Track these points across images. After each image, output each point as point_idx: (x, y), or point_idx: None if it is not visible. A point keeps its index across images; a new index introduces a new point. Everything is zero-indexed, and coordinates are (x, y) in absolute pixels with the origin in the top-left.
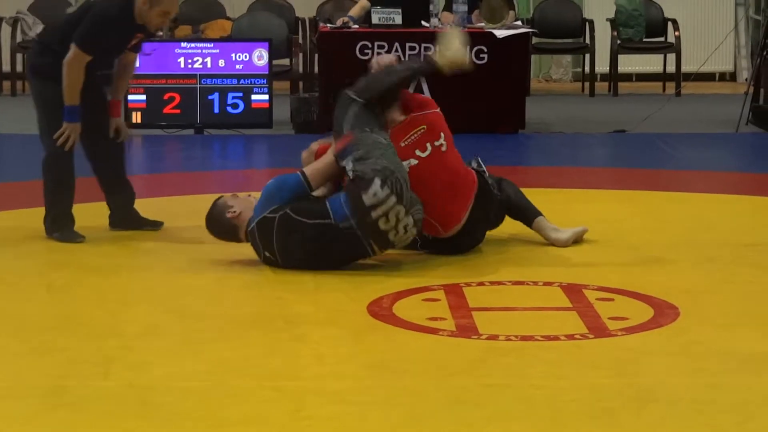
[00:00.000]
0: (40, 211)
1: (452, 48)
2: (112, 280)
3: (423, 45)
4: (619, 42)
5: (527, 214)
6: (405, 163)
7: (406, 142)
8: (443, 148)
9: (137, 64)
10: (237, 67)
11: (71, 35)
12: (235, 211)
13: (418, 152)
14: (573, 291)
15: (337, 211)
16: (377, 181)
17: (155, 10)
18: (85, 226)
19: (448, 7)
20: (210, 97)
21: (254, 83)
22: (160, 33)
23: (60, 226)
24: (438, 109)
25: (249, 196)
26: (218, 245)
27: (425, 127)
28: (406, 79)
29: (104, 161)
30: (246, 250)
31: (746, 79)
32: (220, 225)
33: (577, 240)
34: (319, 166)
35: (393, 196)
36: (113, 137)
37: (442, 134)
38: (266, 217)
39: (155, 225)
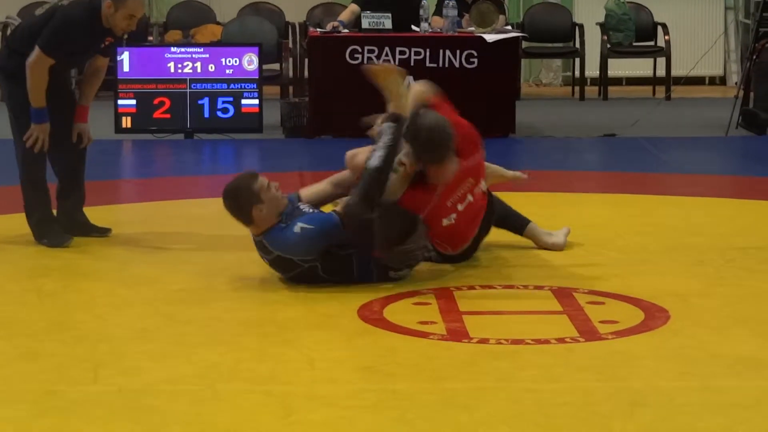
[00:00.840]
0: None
1: (397, 94)
2: (102, 284)
3: (413, 49)
4: (608, 46)
5: (517, 223)
6: (444, 220)
7: (451, 201)
8: (480, 189)
9: (104, 71)
10: (227, 71)
11: (36, 38)
12: (261, 210)
13: (459, 206)
14: (563, 295)
15: (362, 274)
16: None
17: (120, 13)
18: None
19: (438, 12)
20: (200, 102)
21: (244, 88)
22: (125, 36)
23: (45, 231)
24: (480, 141)
25: (281, 195)
26: (208, 250)
27: (472, 179)
28: (391, 157)
29: (65, 162)
30: (237, 252)
31: (736, 83)
32: (237, 208)
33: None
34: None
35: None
36: (76, 142)
37: (482, 179)
38: (293, 260)
39: (103, 232)
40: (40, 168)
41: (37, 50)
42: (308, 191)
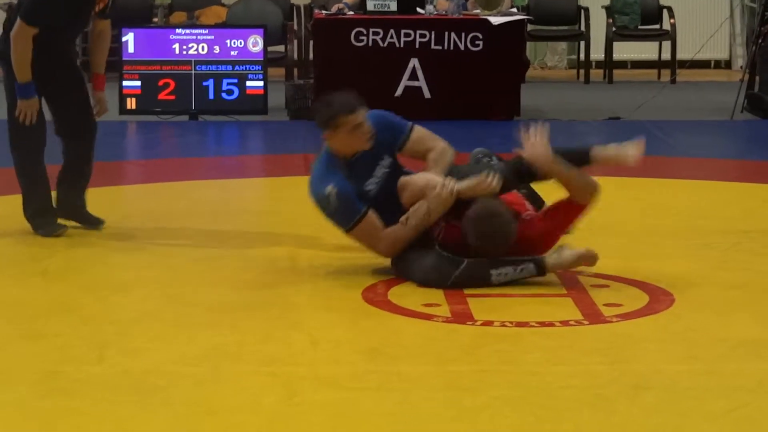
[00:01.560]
0: None
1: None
2: (107, 266)
3: (418, 32)
4: (614, 29)
5: (574, 157)
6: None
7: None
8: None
9: (108, 33)
10: (232, 53)
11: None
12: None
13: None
14: (568, 277)
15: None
16: None
17: None
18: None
19: None
20: (205, 84)
21: (249, 69)
22: None
23: (41, 222)
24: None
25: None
26: (213, 232)
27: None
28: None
29: (75, 139)
30: (242, 234)
31: (741, 67)
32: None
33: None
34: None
35: None
36: (83, 129)
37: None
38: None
39: (95, 223)
40: (34, 156)
41: (18, 21)
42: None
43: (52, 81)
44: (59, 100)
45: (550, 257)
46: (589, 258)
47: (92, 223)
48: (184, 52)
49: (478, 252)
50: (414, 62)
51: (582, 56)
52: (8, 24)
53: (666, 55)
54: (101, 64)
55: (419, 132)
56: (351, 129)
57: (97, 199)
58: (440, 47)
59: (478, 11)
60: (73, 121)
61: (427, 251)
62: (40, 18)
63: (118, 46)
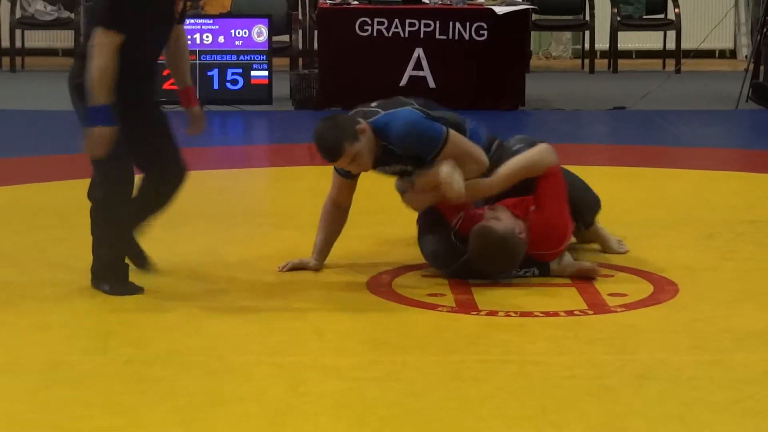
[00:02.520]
0: (40, 187)
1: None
2: None
3: (422, 21)
4: (619, 19)
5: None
6: None
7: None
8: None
9: (185, 39)
10: (236, 43)
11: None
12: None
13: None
14: None
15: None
16: None
17: None
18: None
19: None
20: (209, 73)
21: (254, 59)
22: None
23: (109, 276)
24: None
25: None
26: (217, 222)
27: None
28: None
29: (159, 180)
30: (247, 223)
31: (746, 57)
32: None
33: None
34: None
35: None
36: (165, 169)
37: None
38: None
39: (144, 264)
40: (123, 205)
41: (96, 31)
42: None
43: (137, 109)
44: (144, 137)
45: (554, 264)
46: (592, 271)
47: (141, 261)
48: (189, 42)
49: (482, 272)
50: (419, 52)
51: (587, 46)
52: (81, 49)
53: (671, 45)
54: (185, 73)
55: (451, 149)
56: (346, 163)
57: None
58: (445, 37)
59: (482, 1)
60: (159, 162)
61: (441, 234)
62: (120, 21)
63: None
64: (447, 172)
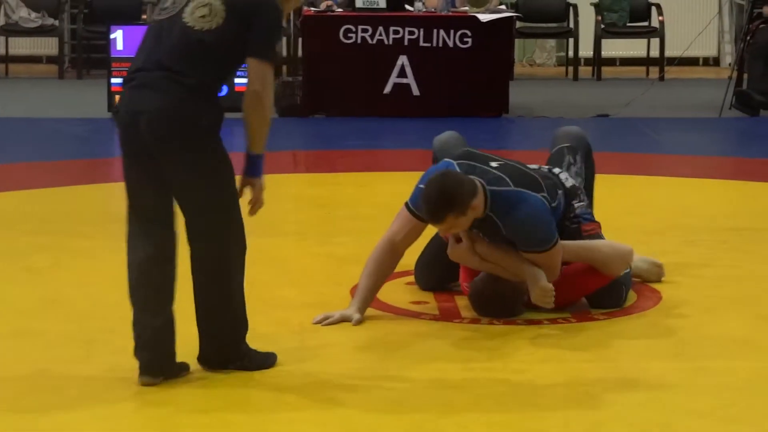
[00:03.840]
0: (25, 194)
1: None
2: (94, 263)
3: (407, 29)
4: (602, 26)
5: None
6: None
7: None
8: None
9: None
10: None
11: (233, 56)
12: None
13: None
14: None
15: None
16: None
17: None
18: (67, 207)
19: None
20: None
21: None
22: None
23: (249, 350)
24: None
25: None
26: None
27: None
28: None
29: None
30: None
31: (730, 64)
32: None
33: None
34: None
35: None
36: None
37: None
38: None
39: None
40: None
41: (266, 65)
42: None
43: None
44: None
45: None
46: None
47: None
48: None
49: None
50: (403, 59)
51: (571, 53)
52: (201, 60)
53: (654, 53)
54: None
55: (546, 257)
56: (441, 229)
57: (88, 197)
58: (429, 44)
59: (466, 8)
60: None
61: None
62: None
63: (106, 44)
64: (546, 287)
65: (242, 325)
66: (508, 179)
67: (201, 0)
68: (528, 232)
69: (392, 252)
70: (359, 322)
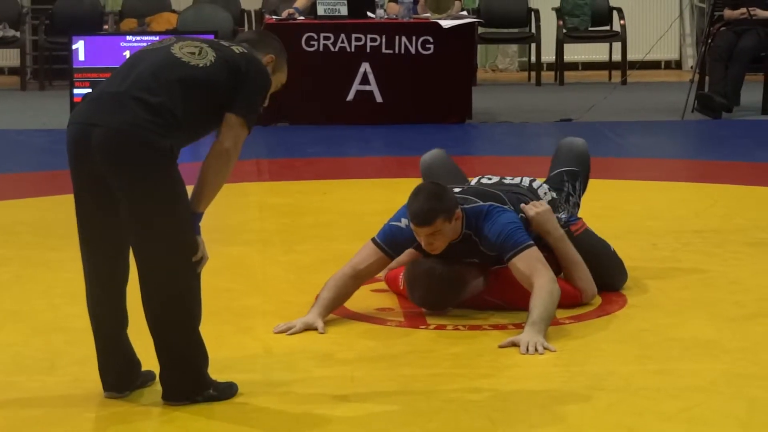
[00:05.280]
0: None
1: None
2: (59, 274)
3: (369, 36)
4: (564, 31)
5: None
6: None
7: None
8: None
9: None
10: None
11: (210, 101)
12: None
13: None
14: None
15: None
16: None
17: (276, 78)
18: (31, 219)
19: None
20: None
21: None
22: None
23: (210, 382)
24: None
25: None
26: None
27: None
28: None
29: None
30: None
31: (691, 67)
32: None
33: None
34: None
35: None
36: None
37: None
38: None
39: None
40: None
41: (240, 123)
42: None
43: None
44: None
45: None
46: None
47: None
48: None
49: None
50: (365, 66)
51: (533, 58)
52: (161, 94)
53: (617, 56)
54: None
55: (528, 258)
56: (425, 234)
57: (51, 209)
58: (391, 51)
59: (428, 15)
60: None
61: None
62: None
63: (68, 54)
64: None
65: (203, 354)
66: (473, 198)
67: (192, 42)
68: (505, 236)
69: (354, 278)
70: (324, 330)
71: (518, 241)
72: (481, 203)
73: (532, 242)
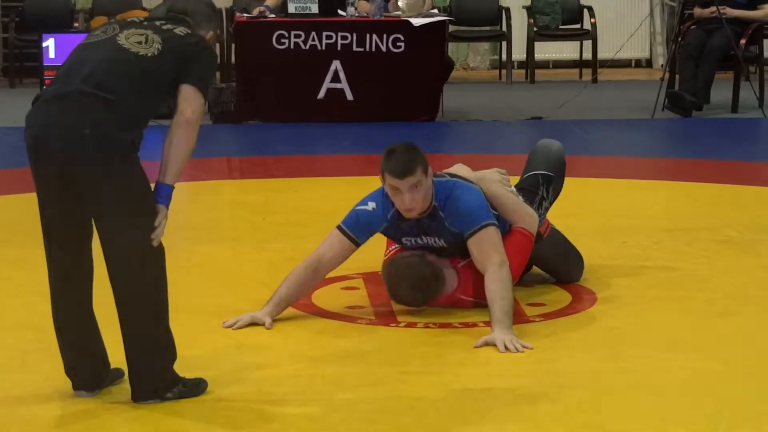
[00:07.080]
0: None
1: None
2: (30, 273)
3: (339, 34)
4: (535, 29)
5: None
6: None
7: None
8: None
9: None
10: None
11: (162, 88)
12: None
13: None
14: None
15: None
16: None
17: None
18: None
19: None
20: None
21: None
22: None
23: (177, 379)
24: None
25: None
26: None
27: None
28: None
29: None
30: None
31: (662, 66)
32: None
33: None
34: None
35: None
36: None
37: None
38: None
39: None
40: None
41: (196, 91)
42: None
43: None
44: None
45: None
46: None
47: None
48: None
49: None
50: (336, 64)
51: (504, 56)
52: (117, 90)
53: (587, 55)
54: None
55: (481, 240)
56: (389, 187)
57: (22, 207)
58: (362, 49)
59: (399, 13)
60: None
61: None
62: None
63: (38, 52)
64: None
65: (172, 351)
66: (441, 172)
67: (137, 30)
68: (468, 213)
69: (315, 272)
70: (270, 326)
71: (477, 220)
72: (449, 178)
73: (492, 222)
